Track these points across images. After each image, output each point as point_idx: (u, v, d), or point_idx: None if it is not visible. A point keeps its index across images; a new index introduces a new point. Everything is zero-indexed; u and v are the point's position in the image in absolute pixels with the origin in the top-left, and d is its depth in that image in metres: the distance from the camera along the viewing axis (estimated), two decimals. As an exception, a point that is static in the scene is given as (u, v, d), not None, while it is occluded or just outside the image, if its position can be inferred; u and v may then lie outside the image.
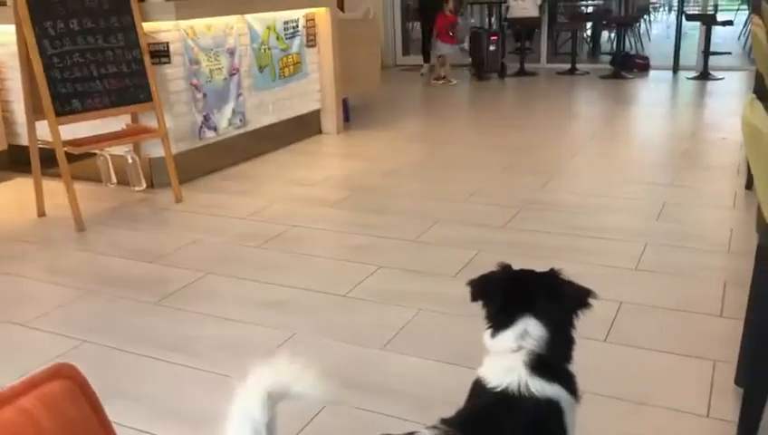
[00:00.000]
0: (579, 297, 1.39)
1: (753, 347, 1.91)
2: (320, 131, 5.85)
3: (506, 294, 1.41)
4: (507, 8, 8.82)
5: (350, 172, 4.83)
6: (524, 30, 9.01)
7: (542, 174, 4.45)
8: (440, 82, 8.45)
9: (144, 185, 4.34)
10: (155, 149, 4.28)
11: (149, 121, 4.14)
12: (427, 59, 8.96)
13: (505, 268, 1.46)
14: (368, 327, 2.59)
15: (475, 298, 1.46)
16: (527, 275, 1.45)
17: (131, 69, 3.96)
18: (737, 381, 2.11)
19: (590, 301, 1.39)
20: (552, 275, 1.43)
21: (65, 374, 0.76)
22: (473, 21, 10.55)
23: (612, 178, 4.45)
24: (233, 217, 3.87)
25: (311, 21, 5.53)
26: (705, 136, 5.55)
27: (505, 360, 1.35)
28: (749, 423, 1.73)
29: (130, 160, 4.26)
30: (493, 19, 9.81)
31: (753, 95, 1.72)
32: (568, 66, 8.79)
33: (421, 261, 3.18)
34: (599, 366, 2.24)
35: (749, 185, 3.90)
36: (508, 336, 1.36)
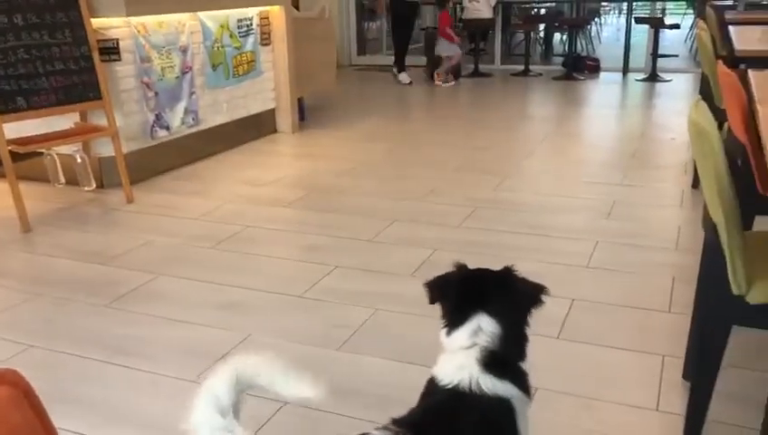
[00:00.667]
0: (532, 294, 1.41)
1: (699, 342, 1.97)
2: (275, 131, 5.80)
3: (461, 292, 1.42)
4: (462, 9, 8.89)
5: (305, 172, 4.80)
6: (479, 31, 9.10)
7: (496, 174, 4.50)
8: (451, 82, 8.30)
9: (94, 185, 4.23)
10: (105, 149, 4.18)
11: (99, 120, 4.04)
12: (402, 67, 8.36)
13: (461, 268, 1.47)
14: (324, 328, 2.58)
15: (432, 300, 1.46)
16: (482, 273, 1.46)
17: (80, 66, 3.86)
18: (685, 376, 2.17)
19: (543, 298, 1.41)
20: (506, 273, 1.44)
21: (8, 380, 0.73)
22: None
23: (564, 177, 4.53)
24: (186, 217, 3.81)
25: (265, 19, 5.48)
26: (654, 136, 5.68)
27: (458, 357, 1.35)
28: (696, 416, 1.77)
29: (79, 160, 4.15)
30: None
31: (699, 96, 1.77)
32: (521, 67, 8.91)
33: (378, 261, 3.18)
34: (552, 363, 2.27)
35: (695, 184, 4.01)
36: (462, 333, 1.37)
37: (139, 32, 4.25)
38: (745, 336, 1.73)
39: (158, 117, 4.48)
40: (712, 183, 1.53)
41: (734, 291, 1.60)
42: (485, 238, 3.41)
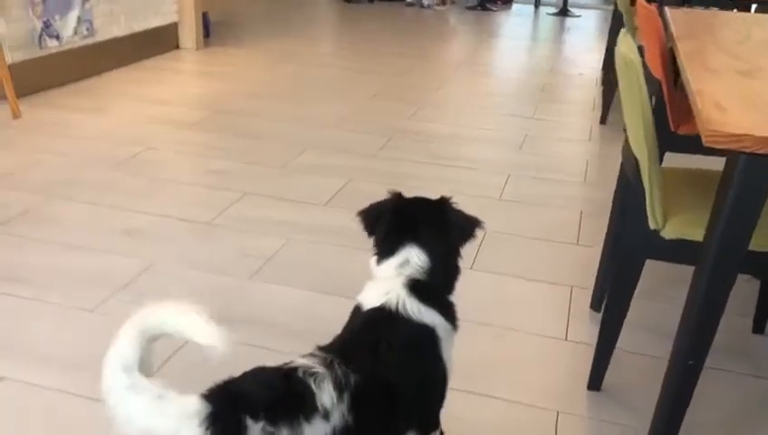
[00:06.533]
0: (465, 228, 1.39)
1: (613, 273, 2.01)
2: (177, 47, 5.45)
3: (394, 222, 1.37)
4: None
5: (210, 92, 4.54)
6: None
7: (411, 103, 4.42)
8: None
9: (-27, 97, 3.85)
10: (-15, 57, 3.79)
11: (-22, 24, 3.64)
12: None
13: (396, 196, 1.42)
14: (234, 256, 2.47)
15: (365, 228, 1.42)
16: (417, 203, 1.42)
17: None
18: (593, 306, 2.23)
19: (477, 232, 1.39)
20: (442, 204, 1.40)
21: None
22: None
23: (477, 108, 4.51)
24: (80, 136, 3.54)
25: (167, -77, 5.06)
26: (563, 71, 5.75)
27: (385, 284, 1.32)
28: (606, 345, 1.82)
29: (-45, 69, 3.74)
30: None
31: (624, 30, 1.74)
32: (435, -5, 8.74)
33: (290, 189, 3.06)
34: (465, 293, 2.26)
35: (603, 120, 4.10)
36: (391, 264, 1.34)
37: (22, -74, 3.81)
38: (654, 268, 1.78)
39: (46, 24, 4.08)
40: (637, 115, 1.52)
41: (651, 226, 1.62)
42: (401, 169, 3.36)
